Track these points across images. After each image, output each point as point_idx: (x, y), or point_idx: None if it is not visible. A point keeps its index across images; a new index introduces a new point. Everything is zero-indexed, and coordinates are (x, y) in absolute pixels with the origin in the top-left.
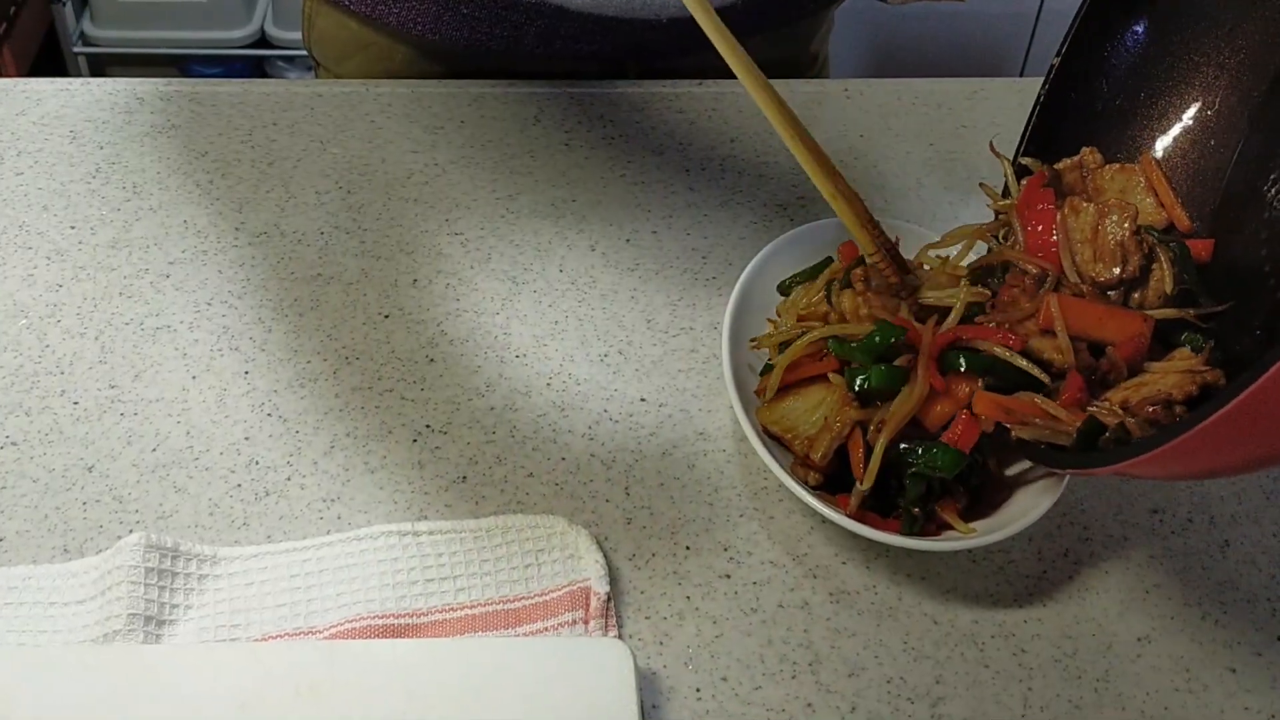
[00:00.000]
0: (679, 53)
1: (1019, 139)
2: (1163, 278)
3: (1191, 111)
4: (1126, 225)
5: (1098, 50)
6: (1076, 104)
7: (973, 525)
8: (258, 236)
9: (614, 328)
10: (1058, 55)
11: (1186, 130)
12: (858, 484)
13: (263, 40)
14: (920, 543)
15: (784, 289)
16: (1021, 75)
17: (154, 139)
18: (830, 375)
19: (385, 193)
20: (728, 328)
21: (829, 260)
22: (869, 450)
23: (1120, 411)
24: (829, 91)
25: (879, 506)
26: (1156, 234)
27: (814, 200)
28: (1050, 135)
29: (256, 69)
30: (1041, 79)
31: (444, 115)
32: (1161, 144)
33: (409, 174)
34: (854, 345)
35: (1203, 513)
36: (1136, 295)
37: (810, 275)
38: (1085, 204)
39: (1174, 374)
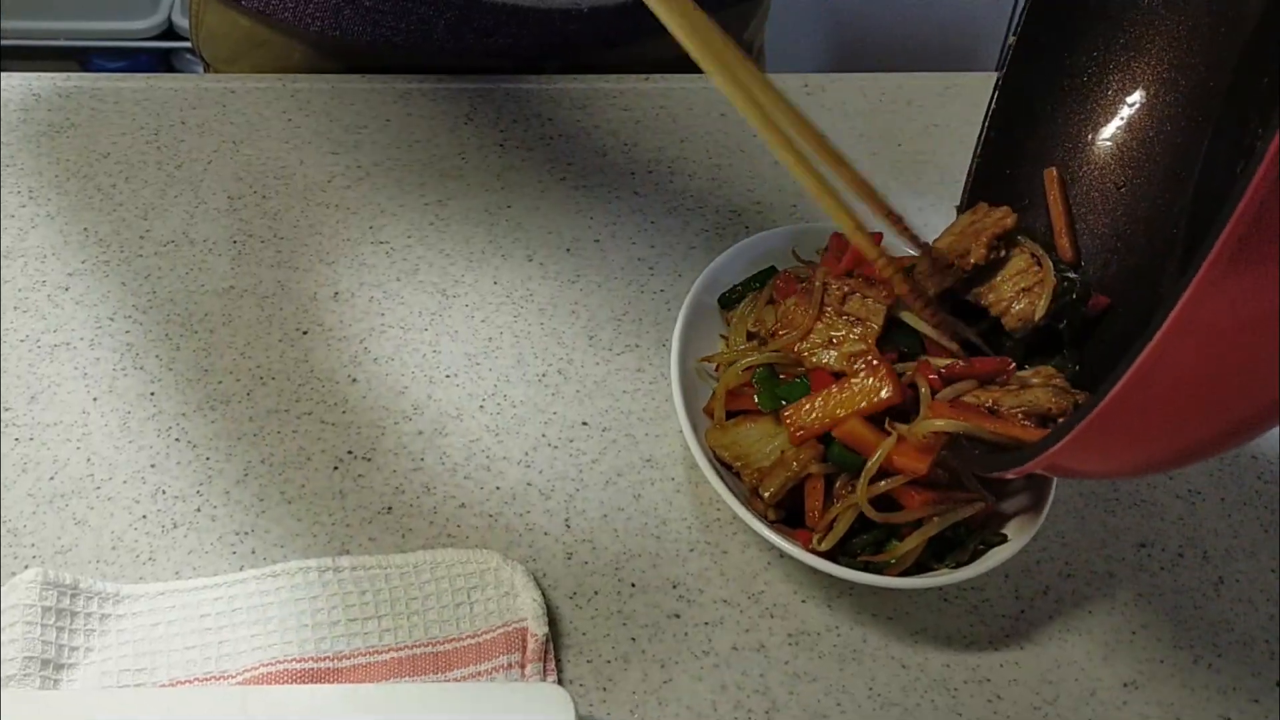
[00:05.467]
0: (602, 46)
1: (980, 127)
2: (1034, 305)
3: (1163, 81)
4: (992, 223)
5: (1057, 20)
6: (1039, 83)
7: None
8: (165, 245)
9: (553, 345)
10: (1014, 33)
11: (1160, 102)
12: (815, 538)
13: (170, 32)
14: (887, 580)
15: (726, 301)
16: (997, 69)
17: (51, 139)
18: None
19: (304, 198)
20: (677, 345)
21: (773, 269)
22: (829, 484)
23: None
24: (787, 87)
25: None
26: (1058, 262)
27: (771, 206)
28: (1014, 119)
29: (163, 63)
30: None
31: (367, 114)
32: (1133, 117)
33: (329, 177)
34: (777, 388)
35: (1194, 547)
36: (991, 297)
37: (755, 285)
38: (988, 207)
39: (1044, 389)
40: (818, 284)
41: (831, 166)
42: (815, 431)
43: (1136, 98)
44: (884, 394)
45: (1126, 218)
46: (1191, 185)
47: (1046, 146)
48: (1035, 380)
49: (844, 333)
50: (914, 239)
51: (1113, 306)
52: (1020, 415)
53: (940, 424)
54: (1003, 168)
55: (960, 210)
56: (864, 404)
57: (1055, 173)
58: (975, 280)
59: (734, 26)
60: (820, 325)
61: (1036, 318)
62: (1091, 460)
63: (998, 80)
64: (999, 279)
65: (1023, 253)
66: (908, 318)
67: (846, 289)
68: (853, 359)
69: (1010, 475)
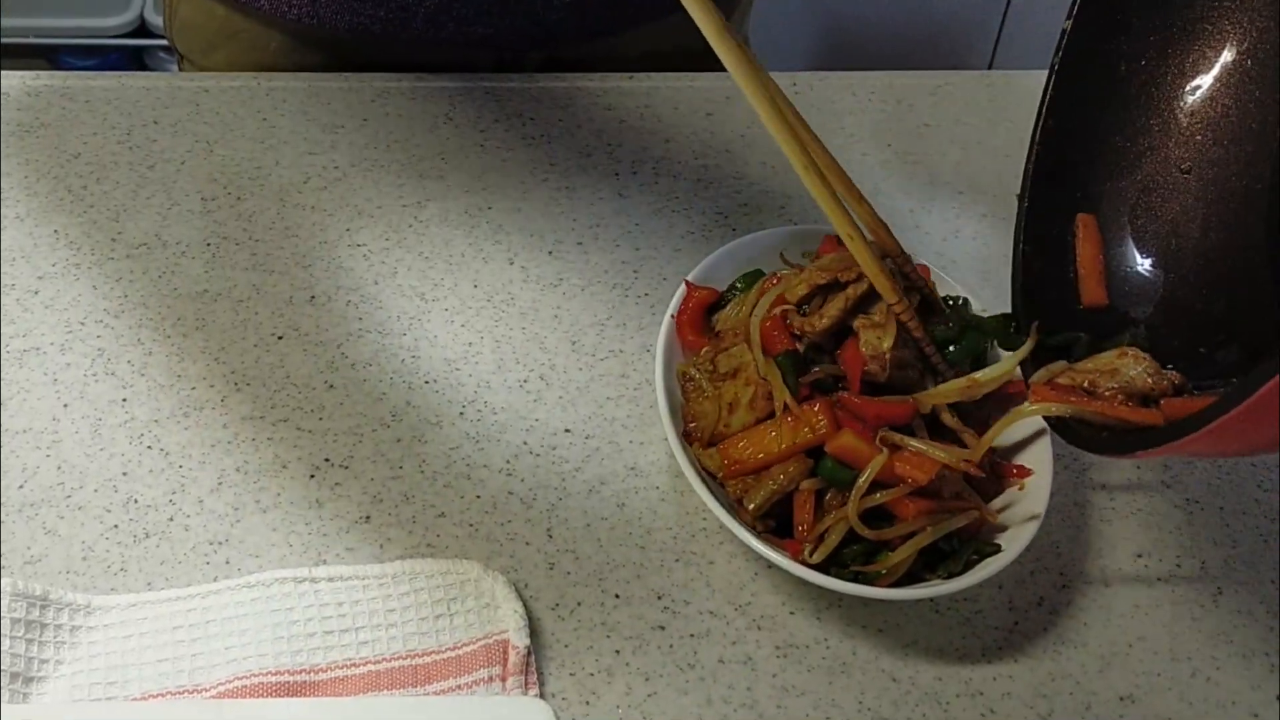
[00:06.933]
0: (586, 36)
1: (1036, 117)
2: (880, 338)
3: (1225, 63)
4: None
5: (1112, 4)
6: (1095, 69)
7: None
8: (137, 248)
9: (535, 350)
10: (1069, 18)
11: (1224, 84)
12: (805, 549)
13: (142, 29)
14: (878, 591)
15: (712, 305)
16: (990, 68)
17: (20, 139)
18: (781, 414)
19: (279, 199)
20: (661, 350)
21: (760, 272)
22: (820, 496)
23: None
24: None
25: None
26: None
27: (759, 208)
28: (1072, 106)
29: (135, 61)
30: (1012, 71)
31: (344, 113)
32: (1196, 101)
33: (305, 178)
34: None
35: (1193, 557)
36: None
37: (745, 286)
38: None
39: (1138, 369)
40: (694, 377)
41: (853, 204)
42: (749, 467)
43: (1199, 80)
44: (820, 432)
45: (1197, 199)
46: (1269, 166)
47: (1108, 132)
48: (1123, 361)
49: (736, 391)
50: (916, 281)
51: (1191, 287)
52: (1120, 396)
53: (1038, 408)
54: (1065, 155)
55: (1020, 198)
56: (798, 440)
57: (1092, 219)
58: (860, 308)
59: None
60: (723, 399)
61: (884, 347)
62: (1247, 436)
63: (1053, 65)
64: (873, 309)
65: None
66: (774, 367)
67: (711, 357)
68: (754, 403)
69: (1152, 455)
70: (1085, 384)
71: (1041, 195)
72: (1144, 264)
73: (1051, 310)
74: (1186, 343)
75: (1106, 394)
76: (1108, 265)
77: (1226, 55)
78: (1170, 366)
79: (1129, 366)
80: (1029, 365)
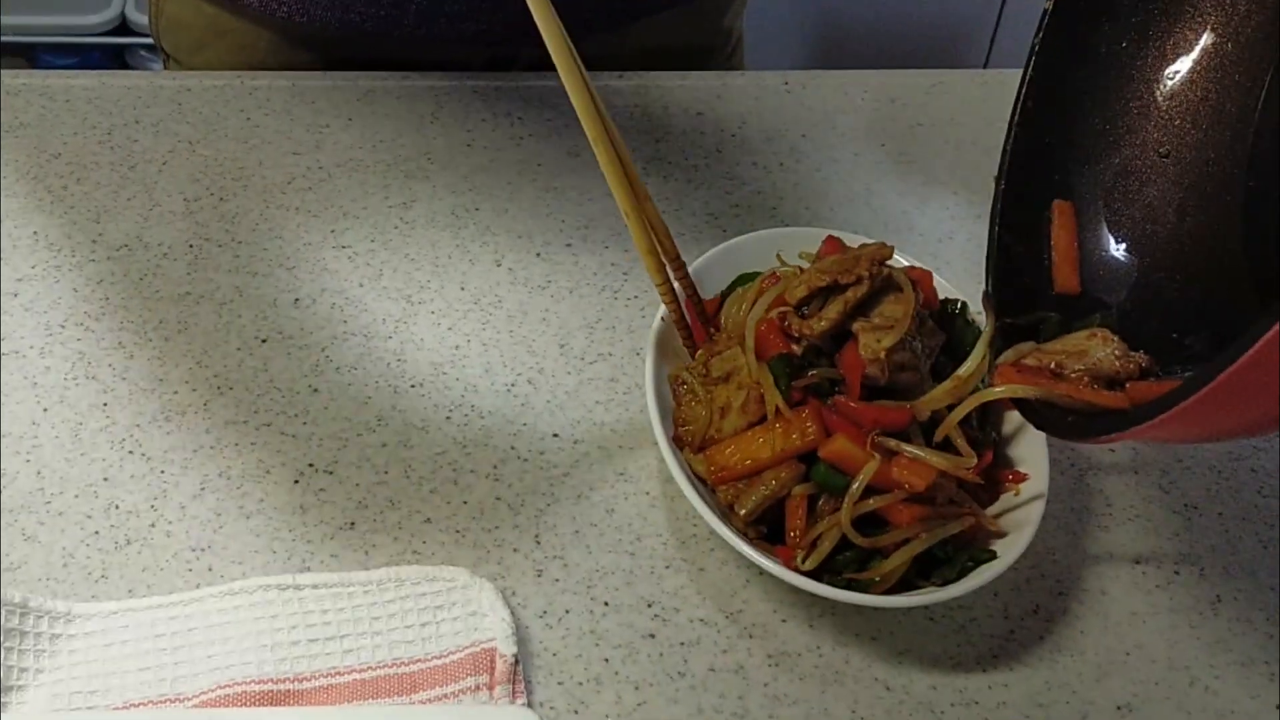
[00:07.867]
0: (579, 33)
1: (1015, 99)
2: (879, 339)
3: (1206, 47)
4: (872, 250)
5: None
6: (1075, 51)
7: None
8: (118, 250)
9: (523, 354)
10: None
11: (1205, 66)
12: (798, 556)
13: (123, 27)
14: (872, 599)
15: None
16: (985, 66)
17: None
18: (773, 418)
19: (263, 200)
20: (652, 354)
21: (752, 274)
22: (813, 501)
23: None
24: (766, 84)
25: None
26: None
27: (749, 209)
28: (1051, 87)
29: (116, 60)
30: (1008, 70)
31: (329, 112)
32: (1176, 85)
33: (289, 179)
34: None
35: (1191, 564)
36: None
37: (742, 284)
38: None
39: (1105, 352)
40: (686, 380)
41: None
42: (737, 474)
43: (1180, 63)
44: (808, 438)
45: (1174, 184)
46: (1245, 151)
47: (1087, 115)
48: (1092, 342)
49: (728, 395)
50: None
51: (1165, 272)
52: (1086, 379)
53: (1003, 390)
54: (1044, 137)
55: (997, 181)
56: (786, 446)
57: (1068, 206)
58: (859, 311)
59: (713, 13)
60: (715, 403)
61: (881, 344)
62: (1212, 422)
63: (1033, 46)
64: (873, 312)
65: (900, 297)
66: (765, 371)
67: (704, 360)
68: (746, 407)
69: (1115, 441)
70: (1052, 365)
71: (1019, 179)
72: (1118, 249)
73: (1025, 296)
74: (1159, 328)
75: (1073, 376)
76: (1082, 250)
77: (1207, 38)
78: (1141, 351)
79: (1097, 348)
80: (999, 347)
